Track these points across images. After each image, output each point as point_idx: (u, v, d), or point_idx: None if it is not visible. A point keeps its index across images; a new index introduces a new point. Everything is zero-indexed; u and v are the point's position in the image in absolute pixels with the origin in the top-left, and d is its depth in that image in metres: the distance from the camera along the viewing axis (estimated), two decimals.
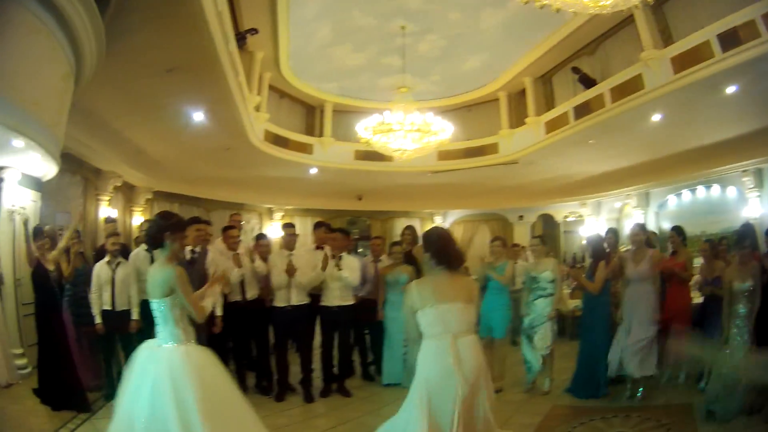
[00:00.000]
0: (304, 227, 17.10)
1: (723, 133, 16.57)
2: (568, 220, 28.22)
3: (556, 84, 21.24)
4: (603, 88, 16.59)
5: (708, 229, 17.73)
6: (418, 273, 11.31)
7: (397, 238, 13.65)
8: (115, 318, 10.12)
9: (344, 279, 10.77)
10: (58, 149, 10.30)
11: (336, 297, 10.86)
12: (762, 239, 10.85)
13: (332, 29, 18.28)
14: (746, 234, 9.28)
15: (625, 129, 16.92)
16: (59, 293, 9.91)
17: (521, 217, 29.06)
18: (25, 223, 10.36)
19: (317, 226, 11.66)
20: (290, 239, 11.08)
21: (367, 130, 18.00)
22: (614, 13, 10.67)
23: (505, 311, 10.99)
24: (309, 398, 10.58)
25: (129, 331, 10.08)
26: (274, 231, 25.19)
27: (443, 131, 17.88)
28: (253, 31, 16.85)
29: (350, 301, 11.10)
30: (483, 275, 11.23)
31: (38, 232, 10.29)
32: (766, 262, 9.09)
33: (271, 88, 21.66)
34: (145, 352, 5.95)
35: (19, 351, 10.76)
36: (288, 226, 11.46)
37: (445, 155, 23.08)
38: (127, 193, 21.82)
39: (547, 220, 28.68)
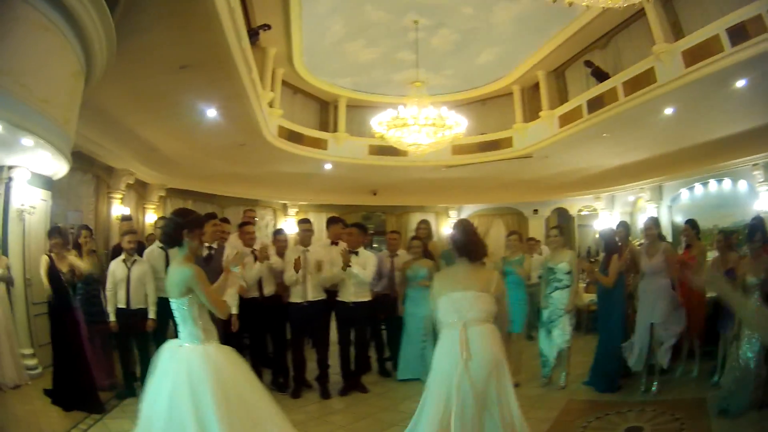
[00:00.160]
0: (318, 223, 17.18)
1: (734, 127, 16.48)
2: (582, 213, 28.17)
3: (569, 78, 21.12)
4: (616, 81, 16.49)
5: (720, 222, 17.65)
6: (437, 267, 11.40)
7: (413, 233, 13.63)
8: (130, 317, 10.14)
9: (356, 276, 10.69)
10: (69, 147, 10.29)
11: (351, 293, 10.80)
12: None
13: (345, 24, 18.24)
14: (756, 228, 9.24)
15: (638, 122, 16.83)
16: (71, 292, 9.86)
17: (536, 211, 29.02)
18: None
19: (332, 221, 11.64)
20: (305, 235, 11.07)
21: (381, 124, 17.95)
22: (626, 7, 10.63)
23: (521, 306, 10.94)
24: (325, 394, 10.56)
25: (144, 330, 10.09)
26: (289, 227, 25.19)
27: (458, 125, 17.81)
28: (266, 27, 16.81)
29: (366, 297, 11.03)
30: (500, 269, 11.06)
31: (56, 232, 10.28)
32: None
33: (285, 84, 21.63)
34: (166, 352, 5.89)
35: (30, 351, 10.78)
36: (303, 222, 11.47)
37: (459, 149, 22.98)
38: (140, 191, 21.87)
39: (562, 214, 28.63)
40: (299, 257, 10.60)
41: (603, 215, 26.43)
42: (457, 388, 5.78)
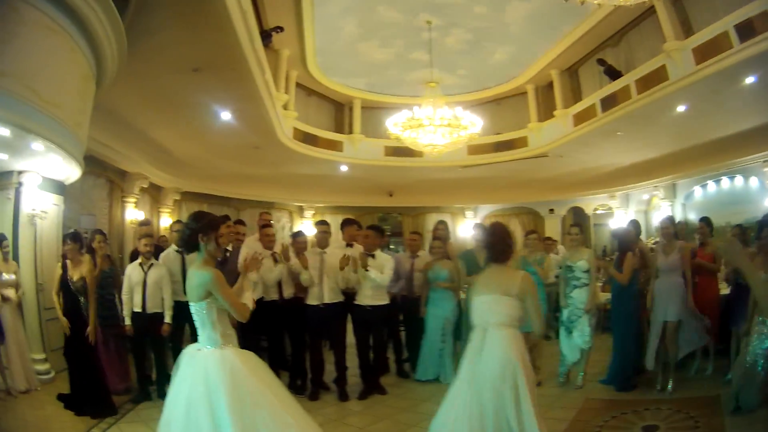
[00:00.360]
0: (335, 224, 17.30)
1: (744, 124, 16.43)
2: (597, 212, 28.10)
3: (583, 76, 21.10)
4: (628, 79, 16.47)
5: (732, 219, 17.45)
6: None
7: (429, 234, 13.61)
8: (146, 320, 10.09)
9: (372, 280, 10.56)
10: (81, 151, 10.28)
11: (368, 296, 10.68)
12: None
13: (358, 25, 18.24)
14: (765, 224, 9.22)
15: (651, 120, 16.80)
16: (80, 299, 9.70)
17: (552, 210, 28.94)
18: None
19: (346, 223, 11.55)
20: (323, 237, 11.01)
21: (396, 125, 17.94)
22: (636, 5, 10.60)
23: (540, 305, 10.88)
24: (343, 396, 10.50)
25: (160, 334, 10.07)
26: (306, 229, 25.24)
27: (473, 125, 17.76)
28: (279, 29, 16.81)
29: (384, 301, 10.89)
30: (520, 269, 11.10)
31: (69, 237, 10.22)
32: None
33: (299, 86, 21.69)
34: (185, 356, 5.86)
35: (41, 356, 10.75)
36: (321, 224, 11.41)
37: (474, 149, 22.97)
38: (154, 195, 21.93)
39: (578, 213, 28.53)
40: (304, 255, 10.62)
41: (618, 214, 26.33)
42: (471, 390, 5.99)
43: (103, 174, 17.49)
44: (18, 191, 10.87)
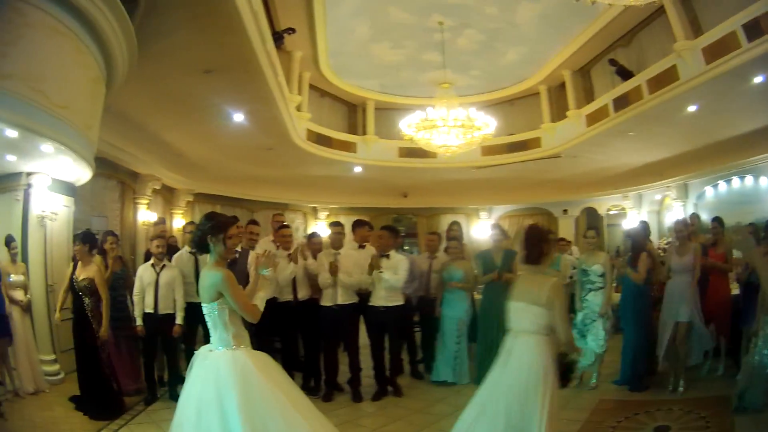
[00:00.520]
0: (349, 226, 17.22)
1: (754, 123, 16.34)
2: (611, 213, 27.99)
3: (595, 76, 21.05)
4: (640, 79, 16.42)
5: (743, 219, 17.32)
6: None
7: (443, 235, 13.57)
8: (158, 321, 10.09)
9: (386, 281, 10.49)
10: (91, 153, 10.32)
11: (382, 297, 10.60)
12: None
13: (370, 26, 18.23)
14: None
15: (662, 120, 16.75)
16: (86, 300, 9.66)
17: (565, 211, 28.86)
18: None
19: (357, 224, 11.48)
20: (337, 238, 10.98)
21: (410, 127, 17.96)
22: (646, 5, 10.58)
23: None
24: (357, 397, 10.48)
25: (171, 335, 10.07)
26: (320, 230, 25.21)
27: (487, 126, 17.77)
28: (290, 30, 16.82)
29: (398, 302, 10.78)
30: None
31: (79, 238, 10.17)
32: None
33: (312, 87, 21.65)
34: (198, 358, 5.85)
35: (51, 357, 10.80)
36: (335, 225, 11.37)
37: (488, 150, 22.96)
38: (167, 196, 22.03)
39: (591, 214, 28.40)
40: (334, 261, 10.51)
41: (631, 214, 26.24)
42: (494, 393, 6.22)
43: (115, 176, 17.55)
44: (27, 193, 10.92)
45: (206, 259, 6.15)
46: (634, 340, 10.39)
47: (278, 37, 16.32)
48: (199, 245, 6.03)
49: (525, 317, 6.25)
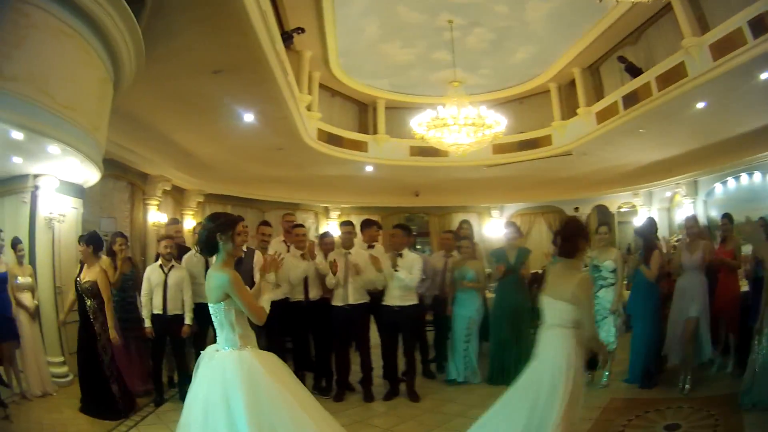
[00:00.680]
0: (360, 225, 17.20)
1: (762, 120, 16.32)
2: (621, 210, 28.00)
3: (604, 74, 21.07)
4: (649, 76, 16.46)
5: (752, 215, 17.34)
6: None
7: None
8: (167, 322, 10.12)
9: (401, 280, 10.45)
10: (99, 154, 10.29)
11: (396, 297, 10.56)
12: None
13: (380, 26, 18.22)
14: None
15: (672, 117, 16.74)
16: (87, 302, 9.65)
17: (577, 208, 28.69)
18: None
19: (366, 224, 11.42)
20: (347, 237, 10.98)
21: (421, 125, 17.97)
22: (654, 1, 10.56)
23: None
24: (369, 397, 10.46)
25: (180, 335, 10.08)
26: (332, 230, 25.23)
27: (497, 124, 17.78)
28: (300, 30, 16.79)
29: (412, 301, 10.74)
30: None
31: (82, 239, 10.12)
32: None
33: (322, 87, 21.65)
34: (204, 358, 5.84)
35: (59, 359, 10.80)
36: (346, 224, 11.35)
37: (499, 149, 22.97)
38: (177, 197, 22.01)
39: (602, 211, 28.42)
40: (335, 260, 10.51)
41: (642, 212, 26.21)
42: (522, 384, 6.41)
43: (124, 177, 17.54)
44: (34, 195, 10.92)
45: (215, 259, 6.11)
46: (645, 336, 10.37)
47: (287, 37, 16.32)
48: (207, 245, 5.96)
49: (553, 311, 6.40)
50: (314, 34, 17.72)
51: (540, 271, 12.33)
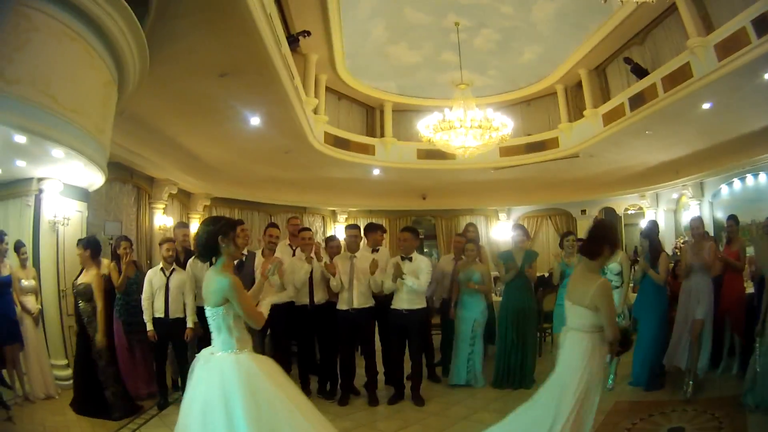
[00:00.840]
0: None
1: (767, 120, 16.29)
2: (628, 213, 27.97)
3: (610, 75, 21.11)
4: (655, 77, 16.51)
5: (757, 217, 17.38)
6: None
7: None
8: (169, 326, 10.08)
9: (410, 286, 10.30)
10: (103, 157, 10.32)
11: (404, 300, 10.43)
12: None
13: (386, 28, 18.29)
14: None
15: (678, 118, 16.74)
16: (80, 304, 9.69)
17: (584, 211, 28.83)
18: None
19: (369, 228, 11.50)
20: (353, 241, 10.89)
21: (428, 128, 17.97)
22: (659, 1, 10.54)
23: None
24: (373, 401, 10.36)
25: (183, 339, 10.05)
26: (339, 233, 25.19)
27: (504, 127, 17.78)
28: (305, 33, 16.86)
29: (421, 304, 10.60)
30: (559, 271, 11.14)
31: (80, 243, 10.09)
32: None
33: (329, 89, 21.79)
34: (200, 360, 5.80)
35: (63, 362, 10.81)
36: (351, 228, 11.28)
37: (506, 151, 23.03)
38: (184, 200, 22.03)
39: (609, 214, 28.38)
40: (332, 262, 10.51)
41: (649, 214, 26.15)
42: (545, 386, 6.49)
43: (131, 180, 17.56)
44: (38, 198, 10.94)
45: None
46: (652, 339, 10.31)
47: (293, 40, 16.36)
48: (207, 247, 5.89)
49: (572, 315, 6.40)
50: (320, 37, 17.78)
51: (547, 274, 12.27)
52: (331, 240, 11.87)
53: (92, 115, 9.31)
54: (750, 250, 11.74)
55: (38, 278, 10.54)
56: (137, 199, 18.11)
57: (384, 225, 20.75)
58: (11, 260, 10.08)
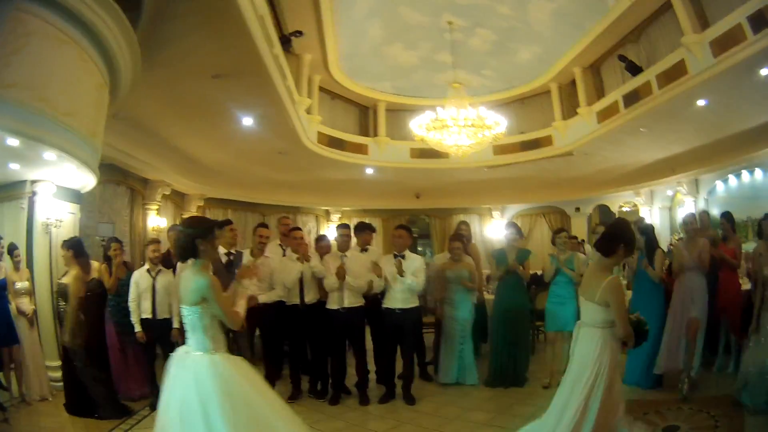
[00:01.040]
0: None
1: (763, 116, 16.22)
2: (623, 210, 27.90)
3: (605, 73, 21.09)
4: (649, 75, 16.52)
5: (753, 213, 17.38)
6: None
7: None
8: (157, 327, 10.12)
9: (408, 285, 10.38)
10: (96, 160, 10.36)
11: (398, 299, 10.48)
12: None
13: (382, 28, 18.34)
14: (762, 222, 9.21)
15: (673, 115, 16.76)
16: (59, 302, 9.89)
17: (578, 209, 28.83)
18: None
19: (359, 228, 11.39)
20: (343, 240, 10.89)
21: (421, 127, 17.95)
22: None
23: (574, 303, 10.57)
24: (365, 401, 10.38)
25: (171, 339, 10.04)
26: (332, 233, 25.22)
27: (498, 125, 17.73)
28: (298, 33, 16.87)
29: (414, 303, 10.67)
30: (551, 269, 11.16)
31: (63, 245, 10.11)
32: None
33: (323, 90, 21.80)
34: (175, 359, 5.81)
35: (57, 363, 10.70)
36: (342, 227, 11.30)
37: (500, 150, 23.05)
38: (177, 201, 22.08)
39: (604, 211, 28.42)
40: (342, 265, 10.40)
41: (644, 211, 26.13)
42: (563, 382, 6.61)
43: (125, 182, 17.63)
44: (32, 200, 10.97)
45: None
46: (649, 338, 10.29)
47: (286, 41, 16.37)
48: (186, 250, 5.91)
49: (585, 311, 6.56)
50: (314, 37, 17.79)
51: (540, 272, 12.26)
52: (321, 240, 11.88)
53: (85, 118, 9.37)
54: (746, 247, 11.74)
55: (32, 280, 10.56)
56: (131, 200, 18.15)
57: (378, 224, 20.78)
58: (5, 263, 10.11)
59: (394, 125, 24.27)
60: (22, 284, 10.17)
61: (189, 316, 5.76)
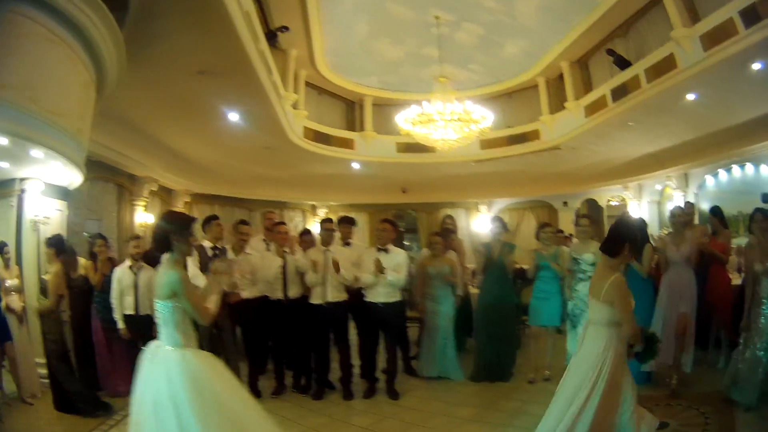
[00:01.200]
0: None
1: (754, 111, 16.14)
2: (611, 204, 27.86)
3: (593, 67, 21.06)
4: (638, 69, 16.47)
5: (744, 208, 17.36)
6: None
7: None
8: (139, 323, 10.12)
9: (390, 281, 10.39)
10: (82, 157, 10.35)
11: (381, 294, 10.49)
12: None
13: (368, 23, 18.36)
14: (752, 216, 9.19)
15: (662, 110, 16.74)
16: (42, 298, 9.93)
17: (566, 203, 28.77)
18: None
19: (342, 222, 11.32)
20: (327, 235, 10.88)
21: (407, 121, 17.90)
22: None
23: (559, 298, 10.86)
24: (348, 395, 10.41)
25: (153, 336, 10.02)
26: (317, 228, 25.21)
27: (484, 119, 17.73)
28: (284, 29, 16.89)
29: (396, 297, 10.65)
30: (536, 263, 11.14)
31: (46, 243, 10.25)
32: None
33: (309, 85, 21.82)
34: (147, 354, 5.87)
35: (43, 361, 10.66)
36: (326, 222, 11.39)
37: (487, 144, 23.03)
38: (164, 197, 22.04)
39: (591, 205, 28.33)
40: (316, 259, 10.44)
41: (632, 205, 26.10)
42: (565, 379, 6.60)
43: (112, 179, 17.64)
44: (20, 198, 10.96)
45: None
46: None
47: (272, 36, 16.37)
48: (162, 244, 5.96)
49: (592, 309, 6.56)
50: (300, 32, 17.82)
51: (525, 267, 12.26)
52: (305, 234, 11.85)
53: (72, 116, 9.40)
54: (738, 241, 11.73)
55: (21, 277, 10.56)
56: (119, 197, 18.20)
57: (365, 219, 20.77)
58: None
59: (381, 120, 24.23)
60: (12, 282, 10.16)
61: (161, 310, 5.83)
